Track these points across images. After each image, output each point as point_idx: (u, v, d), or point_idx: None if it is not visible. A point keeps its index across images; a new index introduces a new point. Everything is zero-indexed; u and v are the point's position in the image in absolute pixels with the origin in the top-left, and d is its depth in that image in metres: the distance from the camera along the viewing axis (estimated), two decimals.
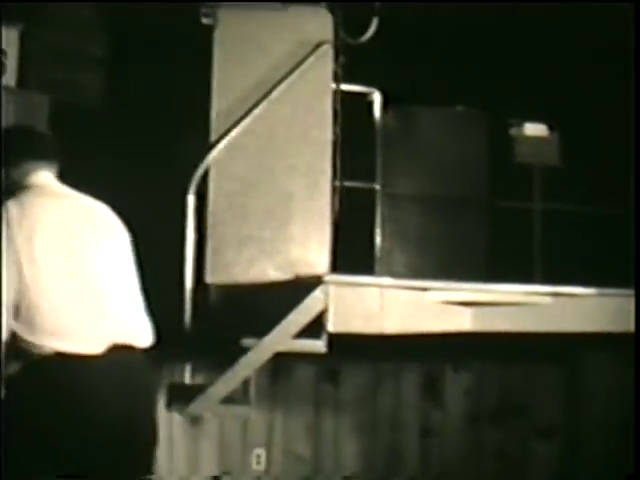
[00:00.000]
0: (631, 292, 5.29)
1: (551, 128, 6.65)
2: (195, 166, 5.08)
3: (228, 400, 4.99)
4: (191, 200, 5.04)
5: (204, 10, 5.26)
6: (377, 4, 5.65)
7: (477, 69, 6.51)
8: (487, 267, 6.24)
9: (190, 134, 5.34)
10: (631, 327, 5.21)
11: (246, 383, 5.12)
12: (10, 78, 5.86)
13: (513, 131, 6.60)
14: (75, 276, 3.60)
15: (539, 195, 6.50)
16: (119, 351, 3.61)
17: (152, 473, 3.79)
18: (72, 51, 6.27)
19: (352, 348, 5.40)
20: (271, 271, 5.14)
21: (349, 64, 5.48)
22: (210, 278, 5.13)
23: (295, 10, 5.32)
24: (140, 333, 3.75)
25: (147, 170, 5.77)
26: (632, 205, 5.92)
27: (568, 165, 6.57)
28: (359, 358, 6.44)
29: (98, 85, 6.29)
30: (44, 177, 3.78)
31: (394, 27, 5.77)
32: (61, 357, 3.48)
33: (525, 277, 5.85)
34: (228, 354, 4.90)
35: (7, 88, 5.71)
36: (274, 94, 5.15)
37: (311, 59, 5.21)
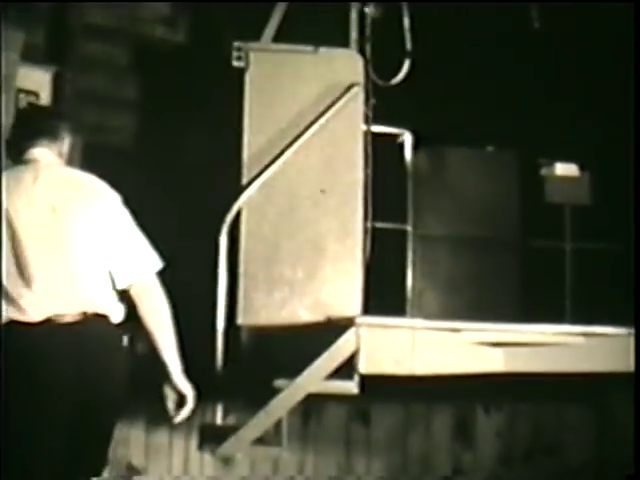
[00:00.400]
0: None
1: (582, 168, 6.63)
2: (227, 208, 5.11)
3: (260, 441, 4.99)
4: (223, 241, 5.06)
5: (236, 53, 5.30)
6: (408, 47, 5.68)
7: (508, 109, 6.51)
8: (519, 307, 6.22)
9: (222, 176, 5.37)
10: None
11: (278, 424, 5.12)
12: None
13: (544, 171, 6.59)
14: (56, 247, 3.74)
15: (570, 234, 6.48)
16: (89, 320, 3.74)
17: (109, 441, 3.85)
18: (105, 93, 6.33)
19: (383, 389, 5.39)
20: (302, 313, 5.15)
21: (380, 105, 5.51)
22: (242, 320, 5.14)
23: (326, 52, 5.37)
24: (111, 307, 3.85)
25: (179, 211, 5.81)
26: None
27: (599, 204, 6.55)
28: (390, 398, 6.42)
29: (131, 127, 6.33)
30: (40, 153, 3.93)
31: (425, 69, 5.81)
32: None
33: (557, 316, 5.83)
34: (260, 395, 4.90)
35: None
36: (305, 136, 5.18)
37: (342, 101, 5.24)
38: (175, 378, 3.85)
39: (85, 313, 3.74)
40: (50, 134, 4.00)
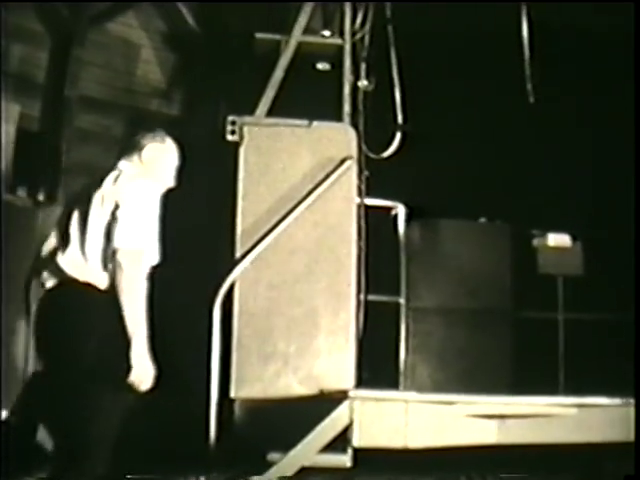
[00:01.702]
0: None
1: (574, 238, 6.67)
2: (221, 280, 5.12)
3: None
4: (216, 315, 5.07)
5: (230, 127, 5.34)
6: (400, 120, 5.75)
7: (500, 181, 6.57)
8: (512, 378, 6.22)
9: (216, 249, 5.39)
10: None
11: None
12: None
13: (536, 242, 6.63)
14: None
15: (563, 305, 6.50)
16: None
17: None
18: (99, 164, 6.36)
19: (374, 459, 5.36)
20: (296, 386, 5.14)
21: (373, 178, 5.54)
22: (235, 392, 5.14)
23: (319, 126, 5.41)
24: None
25: (177, 283, 5.81)
26: None
27: (591, 274, 6.58)
28: (381, 469, 6.38)
29: None
30: None
31: (418, 141, 5.86)
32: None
33: (550, 387, 5.83)
34: (254, 468, 4.88)
35: None
36: (298, 210, 5.21)
37: (335, 175, 5.27)
38: (134, 350, 3.95)
39: None
40: None
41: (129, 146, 4.35)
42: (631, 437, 5.26)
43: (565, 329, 6.47)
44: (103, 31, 7.00)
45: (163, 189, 4.30)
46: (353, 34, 5.86)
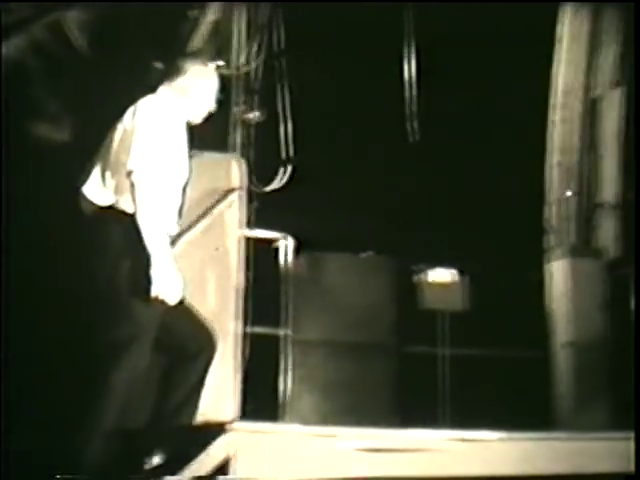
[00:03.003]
0: (538, 435, 5.34)
1: (462, 272, 6.76)
2: None
3: None
4: None
5: None
6: (290, 153, 5.77)
7: (385, 216, 6.63)
8: (395, 412, 6.26)
9: None
10: (537, 470, 5.23)
11: None
12: None
13: (416, 278, 6.69)
14: None
15: (446, 340, 6.57)
16: None
17: None
18: None
19: None
20: None
21: (261, 210, 5.55)
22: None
23: (208, 156, 5.39)
24: None
25: None
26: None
27: (475, 309, 6.67)
28: None
29: None
30: None
31: (306, 175, 5.89)
32: None
33: (432, 421, 5.87)
34: None
35: None
36: (184, 239, 5.17)
37: (222, 205, 5.26)
38: (155, 266, 4.22)
39: None
40: None
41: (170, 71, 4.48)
42: (514, 471, 5.33)
43: (448, 364, 6.53)
44: None
45: (204, 113, 4.58)
46: (244, 66, 5.87)
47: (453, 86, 6.75)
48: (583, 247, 8.36)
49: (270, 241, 5.98)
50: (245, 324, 5.31)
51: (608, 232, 8.44)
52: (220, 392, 5.12)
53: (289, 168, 5.77)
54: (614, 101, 8.45)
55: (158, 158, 4.25)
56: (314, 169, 6.13)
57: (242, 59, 5.97)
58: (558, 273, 7.86)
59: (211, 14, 6.34)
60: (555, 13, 8.13)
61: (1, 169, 5.03)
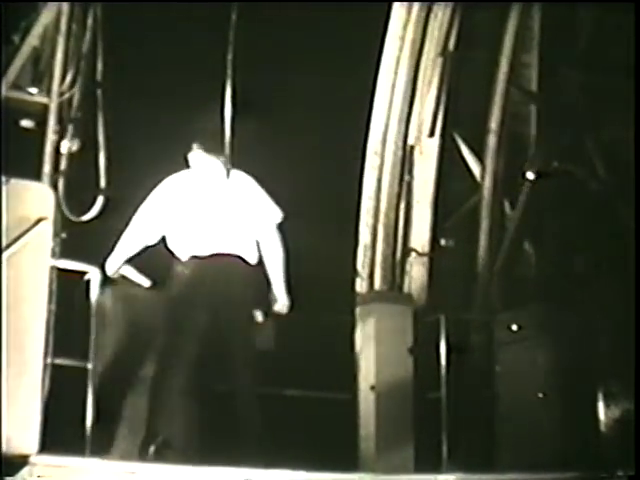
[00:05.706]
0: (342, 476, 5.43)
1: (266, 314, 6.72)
2: None
3: None
4: None
5: None
6: (102, 184, 5.73)
7: None
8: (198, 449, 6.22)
9: None
10: None
11: None
12: None
13: None
14: None
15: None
16: None
17: None
18: None
19: None
20: None
21: (72, 241, 5.47)
22: None
23: (17, 184, 5.26)
24: None
25: None
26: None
27: (282, 349, 6.68)
28: None
29: None
30: None
31: (119, 206, 5.85)
32: None
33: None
34: None
35: None
36: None
37: (29, 235, 5.13)
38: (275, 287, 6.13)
39: None
40: None
41: None
42: None
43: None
44: None
45: None
46: (61, 94, 5.81)
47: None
48: (392, 292, 8.54)
49: (78, 273, 5.86)
50: (46, 356, 5.20)
51: (418, 279, 8.66)
52: (21, 425, 4.98)
53: (102, 199, 5.70)
54: (429, 149, 8.72)
55: None
56: (128, 200, 6.06)
57: (62, 87, 5.90)
58: (367, 317, 8.02)
59: (32, 39, 6.27)
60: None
61: None
